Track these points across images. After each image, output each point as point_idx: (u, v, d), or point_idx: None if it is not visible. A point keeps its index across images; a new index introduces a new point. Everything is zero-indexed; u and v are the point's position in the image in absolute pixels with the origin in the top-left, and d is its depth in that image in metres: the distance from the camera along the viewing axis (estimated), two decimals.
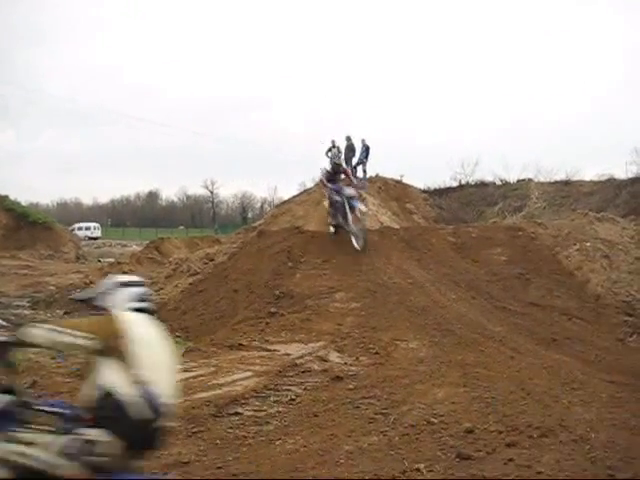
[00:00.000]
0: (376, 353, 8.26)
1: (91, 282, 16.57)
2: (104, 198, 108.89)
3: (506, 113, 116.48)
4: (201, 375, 7.18)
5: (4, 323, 10.51)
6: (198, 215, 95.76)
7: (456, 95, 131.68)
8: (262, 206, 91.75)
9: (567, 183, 27.65)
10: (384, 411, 5.88)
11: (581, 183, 27.53)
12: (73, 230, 53.51)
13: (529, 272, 13.50)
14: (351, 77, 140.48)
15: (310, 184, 32.75)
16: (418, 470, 4.44)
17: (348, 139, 25.82)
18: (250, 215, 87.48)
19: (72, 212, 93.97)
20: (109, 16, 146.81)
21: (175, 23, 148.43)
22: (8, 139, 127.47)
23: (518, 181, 29.11)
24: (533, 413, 5.67)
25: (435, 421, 5.52)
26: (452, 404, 6.07)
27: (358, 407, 6.05)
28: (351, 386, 6.77)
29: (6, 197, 39.03)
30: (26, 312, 14.79)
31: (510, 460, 4.56)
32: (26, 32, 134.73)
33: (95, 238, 62.95)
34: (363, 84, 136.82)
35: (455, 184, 31.31)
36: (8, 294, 18.31)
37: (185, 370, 7.46)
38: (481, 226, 18.04)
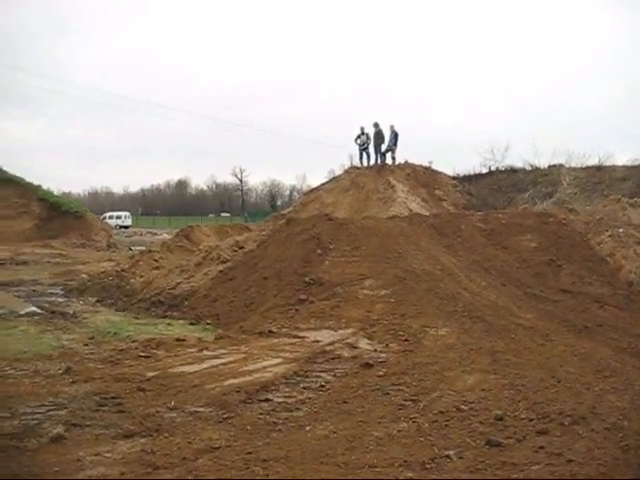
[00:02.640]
0: (405, 340, 8.25)
1: (123, 270, 16.76)
2: (135, 187, 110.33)
3: (536, 97, 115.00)
4: (231, 362, 7.25)
5: (39, 310, 10.79)
6: (227, 203, 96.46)
7: (485, 80, 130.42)
8: (291, 194, 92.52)
9: (599, 168, 27.18)
10: (413, 398, 5.88)
11: (614, 168, 27.04)
12: (104, 219, 54.30)
13: (560, 259, 13.36)
14: (378, 63, 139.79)
15: (339, 171, 32.82)
16: (448, 457, 4.43)
17: (376, 126, 25.80)
18: (279, 203, 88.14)
19: (103, 201, 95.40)
20: (136, 5, 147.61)
21: (201, 12, 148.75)
22: (38, 129, 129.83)
23: (549, 167, 28.68)
24: (564, 400, 5.62)
25: (465, 408, 5.50)
26: (482, 391, 6.04)
27: (388, 394, 6.05)
28: (381, 373, 6.78)
29: (39, 187, 39.81)
30: (60, 300, 15.02)
31: (541, 448, 4.52)
32: (53, 21, 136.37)
33: (126, 227, 63.83)
34: (391, 70, 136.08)
35: (485, 170, 31.02)
36: (42, 282, 18.60)
37: (215, 357, 7.55)
38: (511, 212, 17.87)
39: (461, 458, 4.43)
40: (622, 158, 36.15)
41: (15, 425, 5.14)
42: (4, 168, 39.70)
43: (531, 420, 5.12)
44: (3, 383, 6.56)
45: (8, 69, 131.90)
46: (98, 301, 14.68)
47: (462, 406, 5.55)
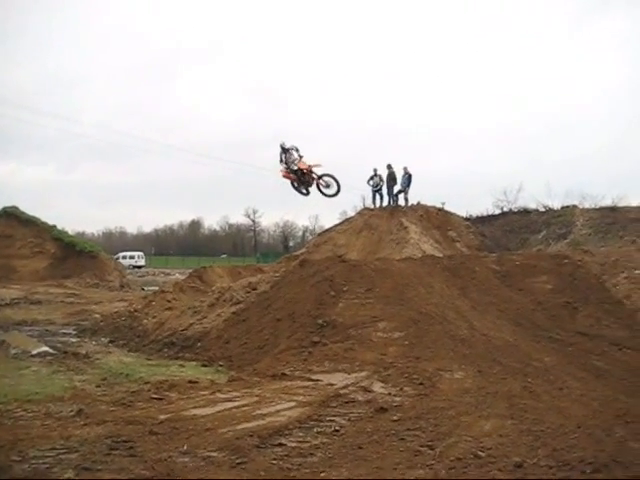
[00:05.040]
0: (420, 384, 8.14)
1: (135, 310, 16.76)
2: (148, 227, 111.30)
3: (548, 139, 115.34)
4: (244, 405, 7.16)
5: (51, 350, 10.73)
6: (240, 244, 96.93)
7: (498, 122, 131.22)
8: (303, 235, 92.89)
9: (613, 209, 27.21)
10: (430, 443, 5.76)
11: (628, 209, 27.05)
12: (118, 259, 54.59)
13: (576, 301, 13.23)
14: (388, 107, 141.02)
15: (351, 213, 33.01)
16: None
17: (389, 167, 26.02)
18: (292, 244, 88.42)
19: (117, 241, 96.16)
20: (147, 49, 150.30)
21: (209, 51, 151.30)
22: (50, 170, 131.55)
23: (562, 208, 28.78)
24: (585, 447, 5.47)
25: (482, 454, 5.38)
26: (499, 437, 5.91)
27: (403, 439, 5.93)
28: (395, 417, 6.67)
29: (54, 227, 40.22)
30: (72, 340, 15.01)
31: None
32: (64, 64, 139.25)
33: (139, 267, 64.13)
34: (402, 114, 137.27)
35: (497, 211, 31.15)
36: (55, 322, 18.66)
37: (228, 400, 7.47)
38: (525, 254, 17.82)
39: None
40: (636, 199, 36.17)
41: (25, 469, 5.07)
42: (20, 209, 40.22)
43: (551, 467, 4.99)
44: (14, 426, 6.51)
45: (16, 109, 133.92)
46: (111, 341, 14.68)
47: (480, 452, 5.42)
